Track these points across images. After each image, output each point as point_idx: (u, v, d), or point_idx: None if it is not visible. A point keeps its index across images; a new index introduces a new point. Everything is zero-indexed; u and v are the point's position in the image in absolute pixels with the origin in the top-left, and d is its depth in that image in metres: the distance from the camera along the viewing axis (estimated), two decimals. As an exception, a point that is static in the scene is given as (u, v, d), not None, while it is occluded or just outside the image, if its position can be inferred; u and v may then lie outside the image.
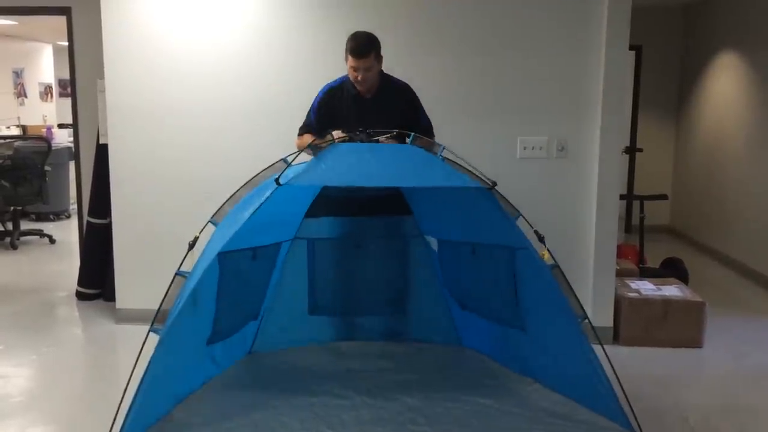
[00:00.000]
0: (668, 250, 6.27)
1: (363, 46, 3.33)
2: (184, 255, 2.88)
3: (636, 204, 5.93)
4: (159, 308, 2.77)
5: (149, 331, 2.75)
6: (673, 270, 5.30)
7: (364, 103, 3.47)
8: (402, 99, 3.54)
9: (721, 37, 6.73)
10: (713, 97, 6.90)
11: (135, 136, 4.44)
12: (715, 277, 6.04)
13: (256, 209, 2.71)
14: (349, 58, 3.36)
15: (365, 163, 2.76)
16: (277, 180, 2.64)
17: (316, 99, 3.54)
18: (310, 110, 3.55)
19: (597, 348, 2.94)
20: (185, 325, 2.80)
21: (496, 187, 2.82)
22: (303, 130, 3.56)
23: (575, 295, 2.92)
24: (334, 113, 3.45)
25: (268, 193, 2.70)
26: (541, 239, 2.92)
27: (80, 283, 5.21)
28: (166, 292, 2.80)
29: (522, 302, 3.26)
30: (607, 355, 2.92)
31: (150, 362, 2.62)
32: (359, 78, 3.37)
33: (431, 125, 3.60)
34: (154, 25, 4.34)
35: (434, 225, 3.75)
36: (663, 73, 7.66)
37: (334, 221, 3.80)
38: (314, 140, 3.06)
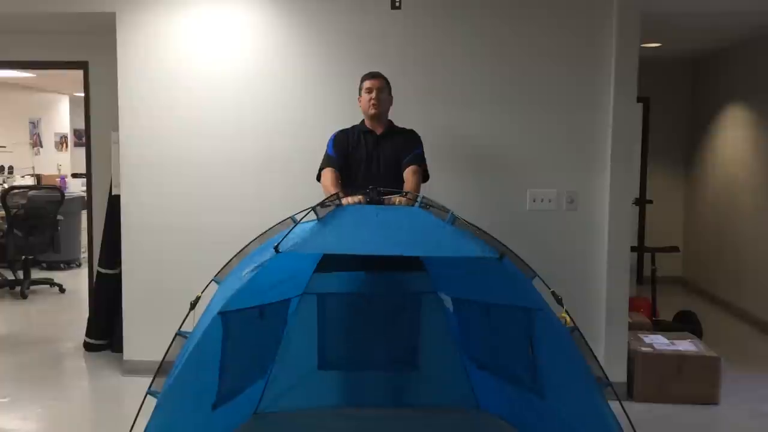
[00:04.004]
0: (681, 303, 6.20)
1: (377, 72, 3.77)
2: (185, 314, 2.84)
3: (647, 256, 5.90)
4: (158, 369, 2.70)
5: (147, 394, 2.67)
6: (686, 323, 5.23)
7: (374, 138, 3.73)
8: (407, 135, 3.81)
9: (729, 89, 6.78)
10: (723, 148, 6.92)
11: (147, 188, 4.48)
12: (728, 331, 5.94)
13: (254, 274, 2.64)
14: (365, 82, 3.73)
15: (370, 230, 2.70)
16: (276, 247, 2.57)
17: (330, 138, 3.78)
18: (327, 150, 3.74)
19: (614, 404, 2.84)
20: (184, 387, 2.71)
21: (509, 248, 2.72)
22: (324, 164, 3.71)
23: (597, 360, 2.81)
24: (348, 148, 3.70)
25: (265, 260, 2.64)
26: (559, 301, 2.81)
27: (88, 333, 5.19)
28: (166, 352, 2.74)
29: (540, 366, 3.11)
30: (626, 413, 2.82)
31: (146, 428, 2.52)
32: (373, 98, 3.67)
33: (425, 162, 3.75)
34: (168, 80, 4.43)
35: (448, 283, 3.69)
36: (672, 125, 7.70)
37: (344, 276, 3.76)
38: (320, 202, 3.02)
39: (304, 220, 2.79)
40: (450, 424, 3.77)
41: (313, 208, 2.79)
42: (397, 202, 2.99)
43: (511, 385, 3.43)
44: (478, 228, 2.76)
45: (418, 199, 2.87)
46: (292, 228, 2.73)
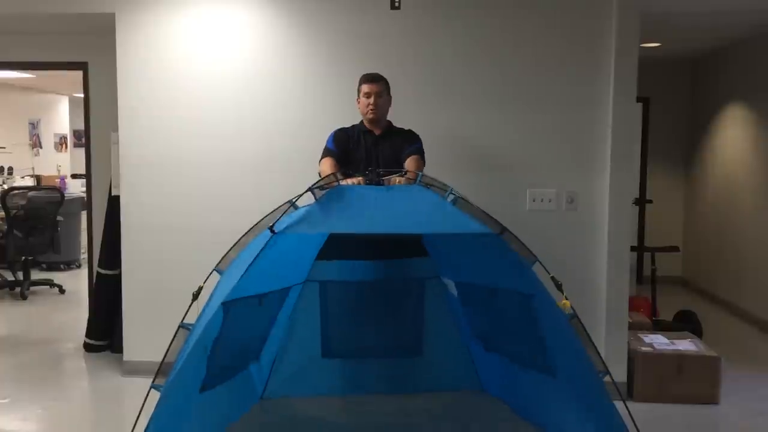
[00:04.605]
0: (681, 302, 6.19)
1: (375, 74, 3.74)
2: (188, 306, 2.84)
3: (647, 256, 5.90)
4: (161, 362, 2.69)
5: (151, 387, 2.66)
6: (686, 323, 5.23)
7: (373, 138, 3.73)
8: (406, 135, 3.80)
9: (729, 89, 6.78)
10: (722, 148, 6.92)
11: (146, 188, 4.48)
12: (729, 330, 5.94)
13: (254, 260, 2.64)
14: (363, 86, 3.71)
15: (368, 209, 2.68)
16: (271, 228, 2.56)
17: (330, 134, 3.77)
18: (326, 144, 3.73)
19: (617, 404, 2.84)
20: (188, 377, 2.72)
21: (509, 231, 2.69)
22: (324, 155, 3.69)
23: (595, 348, 2.82)
24: (348, 145, 3.71)
25: (264, 242, 2.63)
26: (559, 287, 2.81)
27: (88, 334, 5.18)
28: (169, 345, 2.73)
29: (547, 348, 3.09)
30: (629, 413, 2.82)
31: (151, 420, 2.52)
32: (371, 103, 3.65)
33: (424, 156, 3.71)
34: (168, 80, 4.43)
35: (451, 267, 3.69)
36: (671, 125, 7.70)
37: (346, 264, 3.75)
38: (317, 182, 3.00)
39: (301, 204, 2.77)
40: (454, 408, 3.76)
41: (311, 189, 2.76)
42: (396, 182, 2.98)
43: (519, 365, 3.40)
44: (478, 208, 2.74)
45: (418, 178, 2.85)
46: (286, 212, 2.71)
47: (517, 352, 3.39)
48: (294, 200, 2.82)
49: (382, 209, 2.72)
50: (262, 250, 2.64)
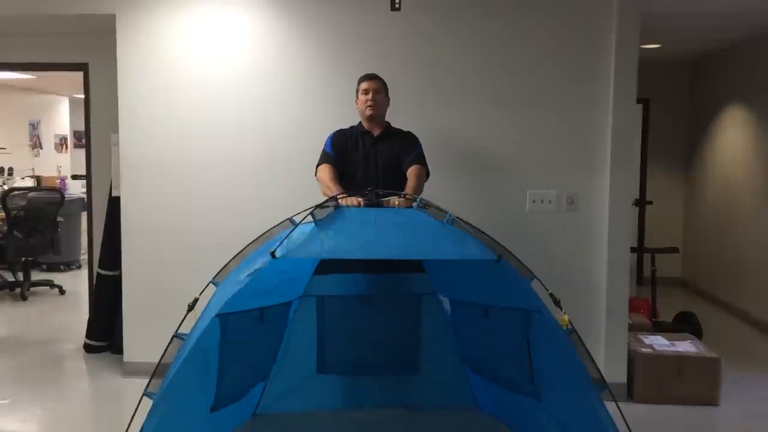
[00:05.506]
0: (681, 304, 6.20)
1: (373, 73, 3.77)
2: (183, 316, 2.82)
3: (647, 257, 5.90)
4: (155, 370, 2.69)
5: (143, 395, 2.65)
6: (686, 324, 5.23)
7: (372, 139, 3.74)
8: (405, 136, 3.81)
9: (728, 90, 6.78)
10: (722, 149, 6.92)
11: (147, 189, 4.48)
12: (729, 332, 5.94)
13: (250, 278, 2.63)
14: (361, 84, 3.74)
15: (368, 235, 2.69)
16: (272, 253, 2.54)
17: (329, 137, 3.78)
18: (324, 148, 3.74)
19: (611, 405, 2.83)
20: (180, 389, 2.69)
21: (507, 249, 2.71)
22: (322, 161, 3.70)
23: (594, 362, 2.79)
24: (346, 146, 3.71)
25: (261, 266, 2.63)
26: (557, 303, 2.80)
27: (88, 335, 5.19)
28: (163, 354, 2.72)
29: (537, 369, 3.08)
30: (623, 415, 2.81)
31: (141, 430, 2.51)
32: (369, 99, 3.68)
33: (425, 162, 3.72)
34: (168, 81, 4.43)
35: (447, 284, 3.67)
36: (671, 126, 7.70)
37: (344, 278, 3.74)
38: (318, 205, 3.00)
39: (302, 222, 2.77)
40: (449, 425, 3.76)
41: (311, 212, 2.78)
42: (396, 204, 2.99)
43: (506, 389, 3.40)
44: (475, 228, 2.74)
45: (416, 201, 2.86)
46: (291, 231, 2.71)
47: (504, 374, 3.37)
48: (297, 219, 2.81)
49: (381, 235, 2.71)
50: (257, 273, 2.64)
